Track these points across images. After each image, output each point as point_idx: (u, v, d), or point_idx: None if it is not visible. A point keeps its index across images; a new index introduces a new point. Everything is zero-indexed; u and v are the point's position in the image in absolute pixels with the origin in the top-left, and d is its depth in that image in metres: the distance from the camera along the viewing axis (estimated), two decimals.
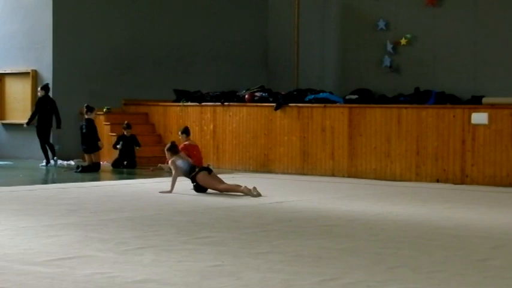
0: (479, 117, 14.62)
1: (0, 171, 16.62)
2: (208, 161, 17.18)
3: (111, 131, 18.55)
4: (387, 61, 19.86)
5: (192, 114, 18.51)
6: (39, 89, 18.28)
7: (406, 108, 15.68)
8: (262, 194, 12.25)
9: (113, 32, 19.93)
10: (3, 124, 20.06)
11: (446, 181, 14.83)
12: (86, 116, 17.08)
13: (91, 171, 16.48)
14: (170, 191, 12.50)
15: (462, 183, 14.65)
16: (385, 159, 15.61)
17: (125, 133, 17.60)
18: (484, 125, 14.56)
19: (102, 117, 18.81)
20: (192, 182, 12.76)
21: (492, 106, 14.81)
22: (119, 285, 6.13)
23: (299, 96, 17.40)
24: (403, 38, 19.57)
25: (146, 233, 8.63)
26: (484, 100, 16.15)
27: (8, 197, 11.89)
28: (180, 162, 12.85)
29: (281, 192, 12.96)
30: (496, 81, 18.05)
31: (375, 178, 15.53)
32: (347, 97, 17.71)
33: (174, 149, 13.13)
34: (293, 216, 10.19)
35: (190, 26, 21.28)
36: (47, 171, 17.04)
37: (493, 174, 14.43)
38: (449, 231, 9.07)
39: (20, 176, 15.66)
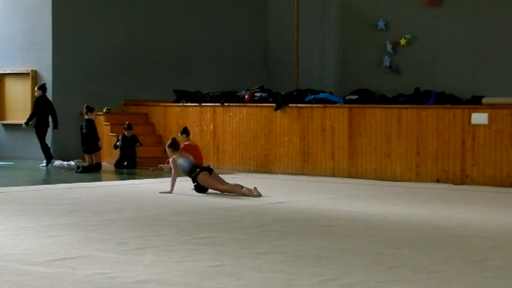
0: (479, 118, 14.62)
1: (0, 172, 16.62)
2: (209, 161, 17.18)
3: (111, 132, 18.55)
4: (387, 61, 19.86)
5: (192, 114, 18.51)
6: (36, 89, 18.28)
7: (406, 108, 15.68)
8: (262, 194, 12.25)
9: (113, 32, 19.93)
10: (3, 124, 20.06)
11: (446, 181, 14.83)
12: (86, 117, 17.08)
13: (92, 171, 16.48)
14: (170, 191, 12.50)
15: (462, 183, 14.65)
16: (385, 160, 15.61)
17: (126, 133, 17.60)
18: (484, 125, 14.56)
19: (102, 118, 18.81)
20: (193, 182, 12.77)
21: (492, 106, 14.81)
22: (119, 286, 6.13)
23: (299, 96, 17.39)
24: (403, 38, 19.57)
25: (146, 233, 8.64)
26: (484, 100, 16.14)
27: (8, 197, 11.90)
28: (181, 161, 12.85)
29: (281, 193, 12.96)
30: (496, 81, 18.05)
31: (375, 178, 15.53)
32: (347, 97, 17.70)
33: (175, 146, 13.13)
34: (293, 216, 10.19)
35: (190, 26, 21.28)
36: (47, 171, 17.04)
37: (493, 175, 14.43)
38: (449, 231, 9.07)
39: (20, 177, 15.66)
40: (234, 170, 17.13)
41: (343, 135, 16.11)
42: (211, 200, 11.83)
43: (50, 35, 19.04)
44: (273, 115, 17.13)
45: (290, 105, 16.97)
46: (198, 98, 18.76)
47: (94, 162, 16.80)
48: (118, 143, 17.57)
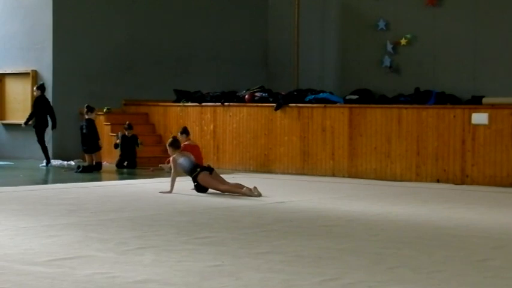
0: (480, 117, 14.62)
1: (0, 171, 16.62)
2: (209, 161, 17.17)
3: (112, 131, 18.55)
4: (387, 61, 19.86)
5: (192, 114, 18.52)
6: (35, 88, 18.29)
7: (406, 108, 15.68)
8: (262, 194, 12.25)
9: (113, 32, 19.93)
10: (3, 124, 20.06)
11: (446, 181, 14.83)
12: (86, 116, 17.08)
13: (92, 171, 16.48)
14: (170, 191, 12.50)
15: (462, 183, 14.65)
16: (385, 160, 15.61)
17: (126, 133, 17.60)
18: (484, 125, 14.56)
19: (102, 118, 18.81)
20: (194, 182, 12.76)
21: (492, 106, 14.81)
22: (119, 286, 6.13)
23: (299, 96, 17.39)
24: (403, 38, 19.57)
25: (146, 233, 8.64)
26: (484, 100, 16.14)
27: (8, 197, 11.90)
28: (182, 160, 12.84)
29: (281, 192, 12.96)
30: (496, 81, 18.05)
31: (375, 178, 15.53)
32: (347, 97, 17.70)
33: (175, 144, 13.11)
34: (293, 216, 10.19)
35: (190, 26, 21.28)
36: (47, 171, 17.04)
37: (494, 175, 14.43)
38: (449, 231, 9.07)
39: (20, 176, 15.65)
40: (234, 170, 17.13)
41: (343, 135, 16.11)
42: (211, 200, 11.83)
43: (50, 35, 19.04)
44: (273, 115, 17.13)
45: (290, 105, 16.97)
46: (198, 97, 18.76)
47: (94, 162, 16.79)
48: (118, 141, 17.58)
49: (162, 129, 19.17)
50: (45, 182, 15.38)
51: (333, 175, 16.12)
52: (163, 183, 13.41)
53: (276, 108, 17.04)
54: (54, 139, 18.62)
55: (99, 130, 17.39)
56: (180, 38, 21.05)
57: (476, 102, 16.33)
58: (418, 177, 15.17)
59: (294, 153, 16.76)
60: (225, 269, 6.74)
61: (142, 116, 19.55)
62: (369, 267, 6.94)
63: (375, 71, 20.03)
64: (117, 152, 17.75)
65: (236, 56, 22.05)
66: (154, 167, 16.52)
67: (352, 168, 15.98)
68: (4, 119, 20.07)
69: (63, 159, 18.36)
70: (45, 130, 17.96)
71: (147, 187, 13.67)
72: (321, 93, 17.41)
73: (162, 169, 15.60)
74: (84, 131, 16.98)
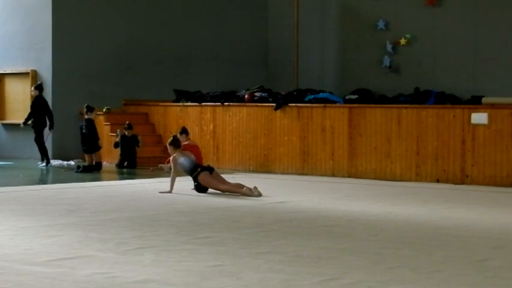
0: (479, 117, 14.62)
1: (0, 171, 16.62)
2: (208, 161, 17.17)
3: (111, 131, 18.55)
4: (387, 61, 19.86)
5: (192, 114, 18.52)
6: (32, 88, 18.28)
7: (406, 108, 15.68)
8: (262, 194, 12.25)
9: (113, 32, 19.93)
10: (3, 124, 20.05)
11: (446, 181, 14.83)
12: (86, 116, 17.07)
13: (92, 171, 16.48)
14: (170, 191, 12.50)
15: (462, 183, 14.65)
16: (385, 160, 15.61)
17: (126, 133, 17.60)
18: (484, 125, 14.56)
19: (102, 118, 18.81)
20: (194, 182, 12.76)
21: (492, 106, 14.81)
22: (119, 285, 6.13)
23: (299, 96, 17.39)
24: (403, 38, 19.57)
25: (146, 233, 8.64)
26: (484, 100, 16.15)
27: (8, 197, 11.90)
28: (182, 160, 12.83)
29: (281, 193, 12.96)
30: (496, 81, 18.05)
31: (375, 178, 15.53)
32: (347, 97, 17.71)
33: (176, 144, 13.11)
34: (293, 216, 10.19)
35: (190, 26, 21.28)
36: (47, 171, 17.03)
37: (493, 174, 14.43)
38: (449, 231, 9.07)
39: (20, 176, 15.65)
40: (233, 170, 17.13)
41: (343, 135, 16.11)
42: (211, 200, 11.83)
43: (50, 35, 19.04)
44: (273, 115, 17.13)
45: (290, 105, 16.97)
46: (198, 97, 18.76)
47: (94, 162, 16.79)
48: (117, 139, 17.58)
49: (162, 129, 19.17)
50: (45, 182, 15.38)
51: (333, 175, 16.12)
52: (163, 183, 13.42)
53: (276, 108, 17.05)
54: (54, 139, 18.61)
55: (99, 130, 17.39)
56: (180, 38, 21.05)
57: (476, 102, 16.33)
58: (418, 177, 15.17)
59: (293, 153, 16.76)
60: (226, 269, 6.74)
61: (142, 116, 19.55)
62: (368, 267, 6.94)
63: (375, 71, 20.03)
64: (117, 152, 17.74)
65: (236, 56, 22.05)
66: (154, 167, 16.52)
67: (352, 168, 15.98)
68: (4, 119, 20.07)
69: (63, 159, 18.36)
70: (43, 130, 17.96)
71: (147, 187, 13.67)
72: (321, 93, 17.41)
73: (161, 169, 15.60)
74: (84, 131, 16.98)
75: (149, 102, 19.74)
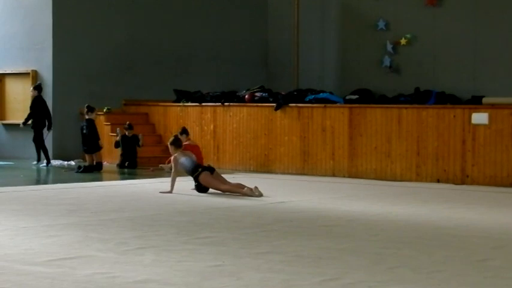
0: (480, 117, 14.62)
1: (0, 171, 16.62)
2: (209, 161, 17.17)
3: (112, 131, 18.55)
4: (387, 61, 19.86)
5: (192, 114, 18.52)
6: (31, 89, 18.29)
7: (406, 108, 15.68)
8: (263, 194, 12.26)
9: (113, 32, 19.93)
10: (3, 124, 20.06)
11: (446, 181, 14.83)
12: (87, 117, 17.07)
13: (93, 171, 16.48)
14: (170, 191, 12.50)
15: (463, 183, 14.65)
16: (385, 160, 15.61)
17: (126, 133, 17.61)
18: (485, 125, 14.56)
19: (102, 118, 18.81)
20: (195, 182, 12.76)
21: (492, 106, 14.81)
22: (119, 285, 6.13)
23: (299, 96, 17.39)
24: (403, 38, 19.57)
25: (146, 233, 8.64)
26: (484, 100, 16.15)
27: (8, 197, 11.90)
28: (183, 160, 12.83)
29: (281, 193, 12.96)
30: (496, 81, 18.05)
31: (375, 178, 15.53)
32: (347, 97, 17.71)
33: (177, 143, 13.10)
34: (293, 216, 10.19)
35: (190, 26, 21.28)
36: (47, 171, 17.03)
37: (494, 175, 14.43)
38: (449, 231, 9.07)
39: (21, 176, 15.66)
40: (234, 170, 17.13)
41: (343, 135, 16.11)
42: (211, 200, 11.83)
43: (50, 35, 19.04)
44: (273, 115, 17.13)
45: (290, 105, 16.97)
46: (198, 97, 18.76)
47: (95, 162, 16.79)
48: (118, 139, 17.58)
49: (162, 129, 19.17)
50: (45, 182, 15.38)
51: (333, 175, 16.12)
52: (164, 183, 13.42)
53: (276, 108, 17.04)
54: (54, 139, 18.62)
55: (99, 130, 17.39)
56: (180, 38, 21.05)
57: (476, 102, 16.33)
58: (418, 177, 15.16)
59: (294, 153, 16.76)
60: (226, 269, 6.74)
61: (142, 116, 19.55)
62: (369, 267, 6.94)
63: (375, 71, 20.03)
64: (118, 152, 17.75)
65: (236, 56, 22.05)
66: (154, 167, 16.52)
67: (352, 168, 15.98)
68: (4, 119, 20.07)
69: (63, 159, 18.36)
70: (43, 130, 17.96)
71: (147, 187, 13.67)
72: (321, 93, 17.41)
73: (162, 169, 15.61)
74: (85, 131, 16.97)
75: (149, 102, 19.74)
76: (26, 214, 10.02)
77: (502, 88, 17.61)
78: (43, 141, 17.90)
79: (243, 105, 17.75)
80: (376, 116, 15.78)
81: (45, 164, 17.63)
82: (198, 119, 18.34)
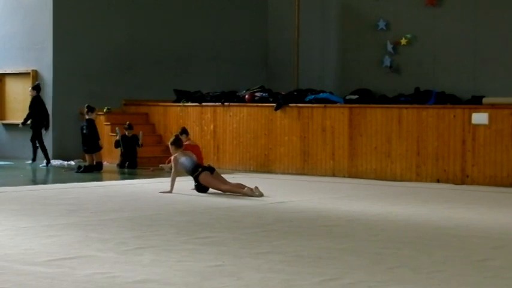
0: (480, 117, 14.62)
1: (0, 171, 16.61)
2: (209, 161, 17.17)
3: (112, 131, 18.55)
4: (387, 61, 19.86)
5: (192, 114, 18.52)
6: (30, 89, 18.28)
7: (406, 108, 15.68)
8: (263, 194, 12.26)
9: (113, 32, 19.93)
10: (3, 124, 20.06)
11: (446, 181, 14.83)
12: (87, 117, 17.07)
13: (93, 171, 16.48)
14: (170, 191, 12.50)
15: (463, 183, 14.65)
16: (385, 160, 15.61)
17: (126, 133, 17.61)
18: (485, 125, 14.56)
19: (102, 118, 18.81)
20: (195, 182, 12.76)
21: (492, 106, 14.81)
22: (119, 285, 6.13)
23: (299, 96, 17.39)
24: (403, 38, 19.58)
25: (146, 233, 8.64)
26: (484, 100, 16.15)
27: (8, 197, 11.89)
28: (183, 159, 12.83)
29: (281, 193, 12.96)
30: (496, 81, 18.05)
31: (376, 178, 15.53)
32: (347, 97, 17.70)
33: (178, 143, 13.09)
34: (293, 216, 10.19)
35: (190, 26, 21.28)
36: (47, 171, 17.03)
37: (494, 175, 14.43)
38: (449, 231, 9.07)
39: (20, 176, 15.66)
40: (234, 170, 17.13)
41: (343, 135, 16.11)
42: (211, 200, 11.83)
43: (50, 35, 19.05)
44: (273, 115, 17.13)
45: (290, 105, 16.97)
46: (198, 97, 18.77)
47: (95, 162, 16.79)
48: (118, 138, 17.58)
49: (162, 129, 19.17)
50: (45, 182, 15.37)
51: (333, 175, 16.12)
52: (164, 183, 13.41)
53: (276, 108, 17.04)
54: (54, 139, 18.63)
55: (99, 130, 17.39)
56: (180, 38, 21.05)
57: (476, 102, 16.33)
58: (418, 177, 15.16)
59: (294, 153, 16.76)
60: (226, 269, 6.74)
61: (142, 116, 19.55)
62: (369, 267, 6.94)
63: (375, 71, 20.03)
64: (118, 152, 17.74)
65: (236, 56, 22.05)
66: (154, 167, 16.52)
67: (352, 168, 15.98)
68: (4, 119, 20.08)
69: (63, 159, 18.36)
70: (39, 130, 17.95)
71: (147, 187, 13.67)
72: (321, 93, 17.41)
73: (162, 169, 15.61)
74: (85, 131, 16.97)
75: (149, 102, 19.74)
76: (26, 214, 10.02)
77: (502, 88, 17.61)
78: (42, 141, 17.89)
79: (243, 105, 17.75)
80: (376, 116, 15.78)
81: (45, 164, 17.63)
82: (198, 119, 18.34)
